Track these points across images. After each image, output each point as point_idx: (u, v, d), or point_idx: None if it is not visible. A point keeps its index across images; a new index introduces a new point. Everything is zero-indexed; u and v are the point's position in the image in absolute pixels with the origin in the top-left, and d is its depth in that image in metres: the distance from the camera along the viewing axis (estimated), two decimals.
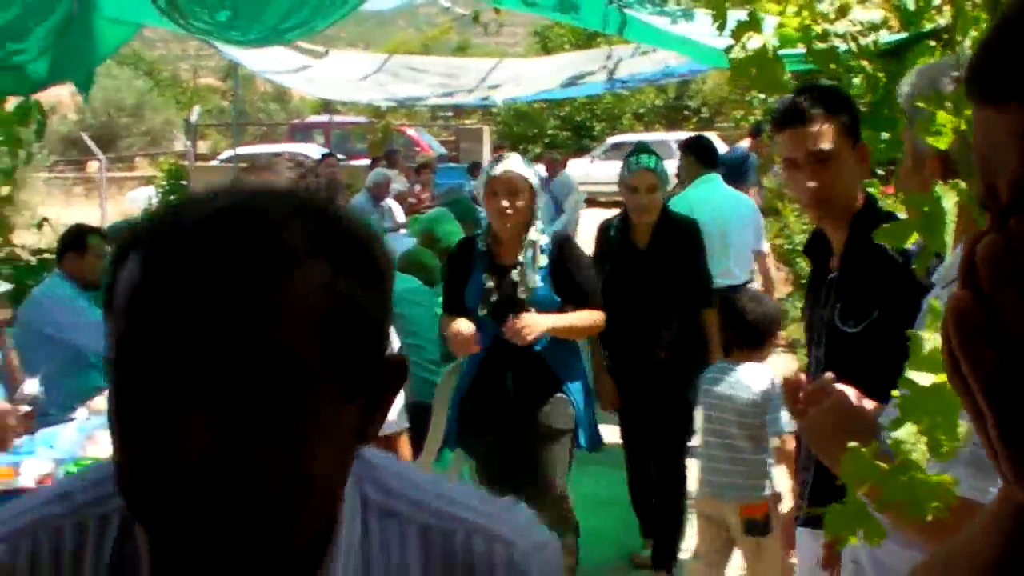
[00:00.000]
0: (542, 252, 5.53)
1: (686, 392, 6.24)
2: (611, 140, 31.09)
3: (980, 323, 0.84)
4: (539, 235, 5.55)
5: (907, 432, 1.83)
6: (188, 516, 1.13)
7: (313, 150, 30.52)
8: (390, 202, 14.93)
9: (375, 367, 1.29)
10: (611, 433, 6.35)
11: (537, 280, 5.49)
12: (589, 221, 17.19)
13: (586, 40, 33.04)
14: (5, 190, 7.08)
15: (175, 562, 1.20)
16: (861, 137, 3.45)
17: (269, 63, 13.08)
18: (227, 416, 1.13)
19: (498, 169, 5.53)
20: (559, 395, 5.54)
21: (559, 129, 39.94)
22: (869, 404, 2.32)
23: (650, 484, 6.63)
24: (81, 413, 5.98)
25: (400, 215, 15.10)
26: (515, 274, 5.50)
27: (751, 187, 13.08)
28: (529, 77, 14.84)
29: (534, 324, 5.30)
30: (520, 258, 5.52)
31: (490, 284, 5.55)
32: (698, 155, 9.25)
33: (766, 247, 9.19)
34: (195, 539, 1.15)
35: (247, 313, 1.14)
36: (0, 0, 6.68)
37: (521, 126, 39.65)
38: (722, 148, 23.34)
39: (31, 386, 5.20)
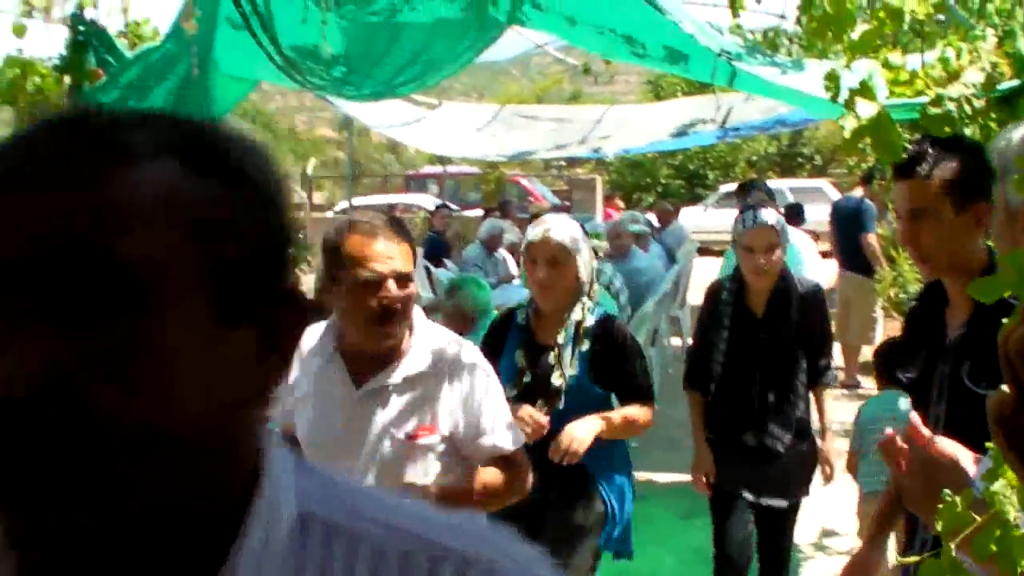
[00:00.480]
0: (586, 335, 4.90)
1: (799, 491, 5.74)
2: (724, 188, 30.95)
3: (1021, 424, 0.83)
4: (586, 314, 4.93)
5: (1001, 485, 1.82)
6: (10, 465, 0.94)
7: (427, 200, 30.91)
8: (503, 253, 14.98)
9: (261, 290, 1.09)
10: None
11: (576, 366, 4.86)
12: (702, 270, 17.20)
13: (699, 88, 32.92)
14: None
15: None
16: (982, 193, 3.23)
17: (383, 116, 13.27)
18: (49, 345, 0.94)
19: (536, 233, 4.95)
20: (590, 492, 4.95)
21: (672, 178, 39.89)
22: (969, 459, 2.29)
23: None
24: None
25: (513, 266, 15.13)
26: (552, 356, 4.89)
27: (868, 235, 12.92)
28: (639, 127, 14.85)
29: (580, 441, 4.61)
30: (560, 339, 4.89)
31: (523, 363, 4.96)
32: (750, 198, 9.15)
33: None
34: (21, 494, 0.95)
35: (72, 218, 0.95)
36: (124, 60, 6.89)
37: (634, 175, 39.69)
38: (835, 195, 23.23)
39: None
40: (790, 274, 5.72)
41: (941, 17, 4.16)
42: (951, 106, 3.53)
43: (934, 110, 3.53)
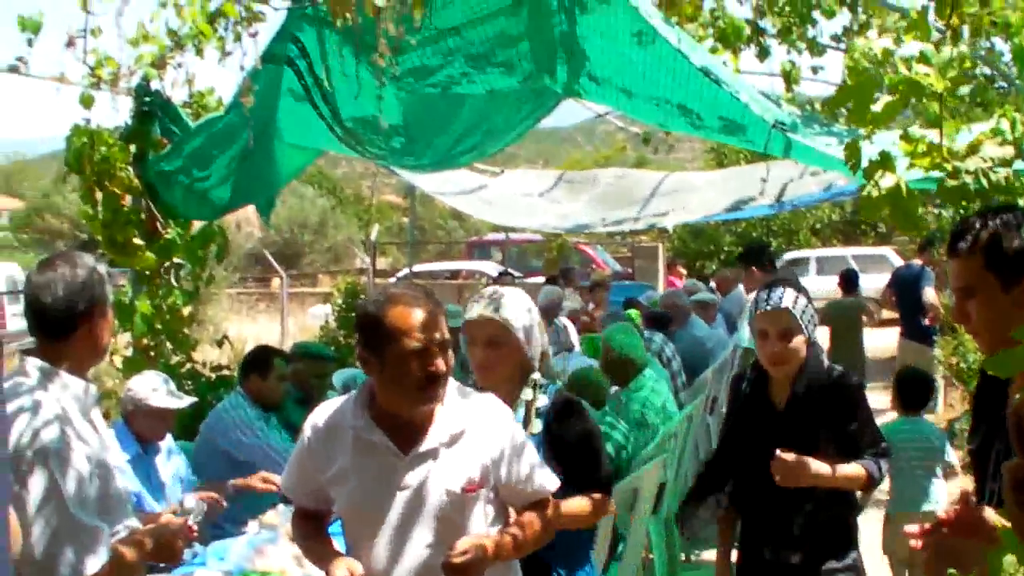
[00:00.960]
0: (537, 416, 4.47)
1: None
2: (788, 256, 30.81)
3: None
4: (537, 393, 4.50)
5: (1010, 561, 1.82)
6: None
7: (490, 267, 30.96)
8: (564, 320, 14.96)
9: None
10: None
11: None
12: None
13: (761, 157, 32.76)
14: (187, 310, 7.35)
15: None
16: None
17: (444, 185, 13.35)
18: None
19: (474, 311, 4.56)
20: None
21: (735, 245, 39.65)
22: None
23: None
24: (252, 527, 6.12)
25: (573, 334, 15.08)
26: None
27: (926, 290, 12.86)
28: (696, 199, 14.83)
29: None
30: None
31: None
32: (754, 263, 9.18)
33: None
34: None
35: None
36: (188, 130, 7.03)
37: (697, 243, 39.55)
38: (897, 262, 23.03)
39: (189, 500, 5.34)
40: (818, 360, 4.95)
41: (965, 90, 4.16)
42: (968, 179, 3.52)
43: (952, 182, 3.53)
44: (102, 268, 3.98)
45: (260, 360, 7.27)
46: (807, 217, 39.12)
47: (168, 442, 6.42)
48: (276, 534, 5.65)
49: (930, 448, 7.43)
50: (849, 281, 14.33)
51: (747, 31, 9.43)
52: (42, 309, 3.79)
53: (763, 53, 9.54)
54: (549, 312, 14.53)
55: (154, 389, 6.09)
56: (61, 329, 3.79)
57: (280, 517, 6.21)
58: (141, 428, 6.19)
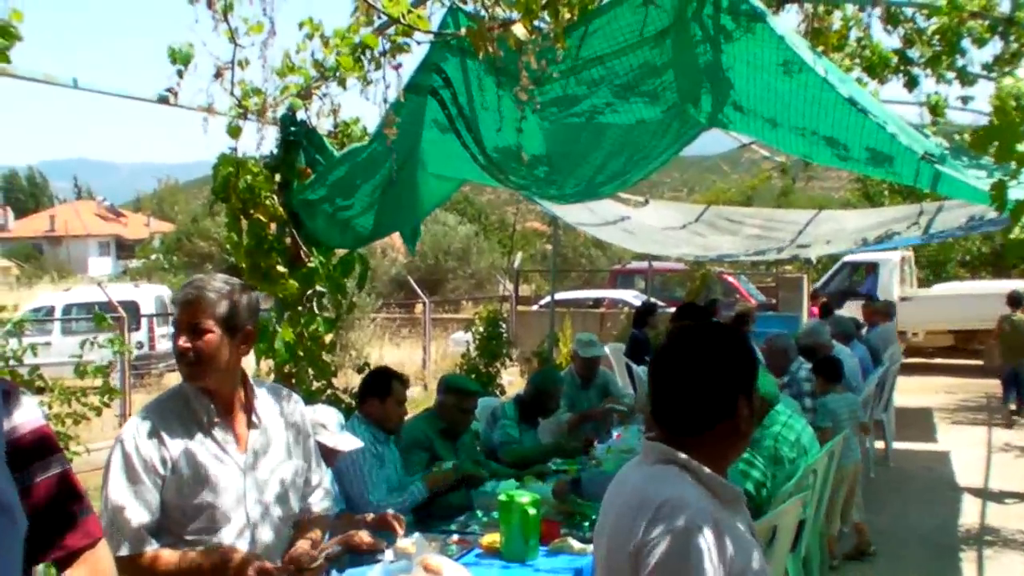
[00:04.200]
0: None
1: None
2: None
3: None
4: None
5: None
6: None
7: (632, 296, 30.82)
8: None
9: None
10: None
11: None
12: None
13: (908, 188, 32.17)
14: (328, 337, 7.40)
15: None
16: None
17: (587, 215, 13.33)
18: None
19: None
20: None
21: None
22: None
23: None
24: (388, 555, 6.12)
25: None
26: None
27: None
28: (841, 233, 14.62)
29: None
30: None
31: None
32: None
33: None
34: None
35: None
36: (332, 159, 7.08)
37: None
38: None
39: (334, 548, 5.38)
40: None
41: None
42: None
43: None
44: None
45: (378, 383, 7.28)
46: (955, 249, 38.31)
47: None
48: (411, 563, 5.64)
49: None
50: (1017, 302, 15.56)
51: (894, 60, 9.25)
52: None
53: (911, 83, 9.31)
54: None
55: (324, 426, 6.11)
56: None
57: (415, 546, 6.21)
58: None
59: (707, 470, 3.15)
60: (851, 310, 20.68)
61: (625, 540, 3.09)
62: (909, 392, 20.76)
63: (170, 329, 10.02)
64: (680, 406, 3.21)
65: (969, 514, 12.36)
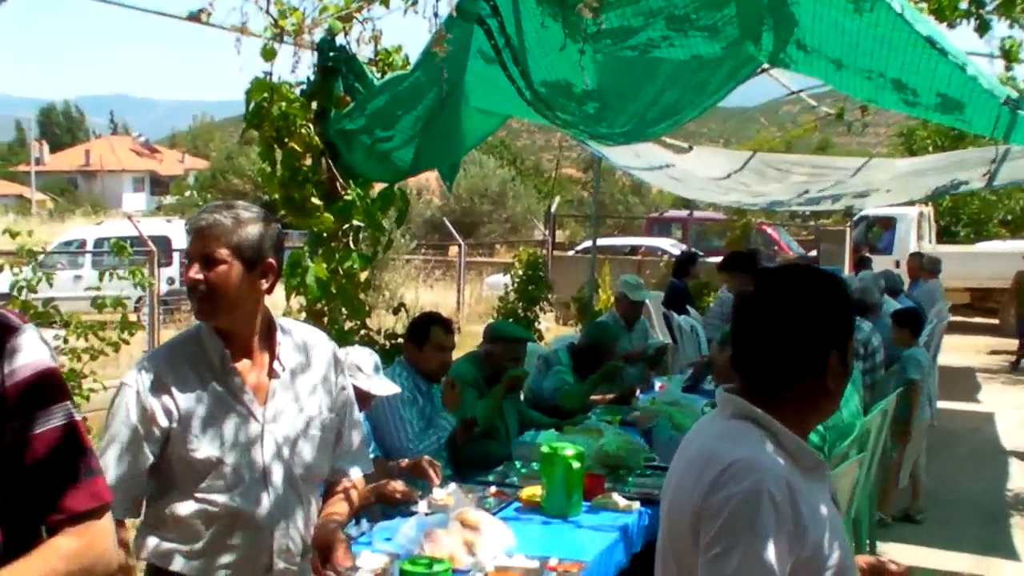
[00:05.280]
0: None
1: None
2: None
3: None
4: None
5: None
6: None
7: (670, 244, 30.48)
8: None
9: None
10: None
11: None
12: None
13: (951, 142, 31.71)
14: (364, 275, 7.05)
15: None
16: None
17: (633, 159, 12.93)
18: None
19: None
20: None
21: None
22: None
23: None
24: (422, 506, 5.83)
25: None
26: None
27: None
28: (898, 184, 14.21)
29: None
30: None
31: None
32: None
33: None
34: None
35: None
36: (372, 88, 6.73)
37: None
38: None
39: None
40: None
41: None
42: None
43: None
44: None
45: (416, 328, 7.00)
46: (998, 207, 37.82)
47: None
48: (447, 516, 5.33)
49: None
50: None
51: (964, 3, 8.80)
52: None
53: (983, 27, 8.84)
54: None
55: (359, 368, 5.76)
56: None
57: (452, 498, 5.90)
58: None
59: (787, 431, 2.79)
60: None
61: (687, 501, 2.75)
62: (949, 350, 20.46)
63: None
64: (764, 356, 2.85)
65: (1017, 479, 12.08)
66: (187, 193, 67.26)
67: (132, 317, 7.97)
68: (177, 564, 3.78)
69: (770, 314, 2.84)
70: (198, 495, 3.75)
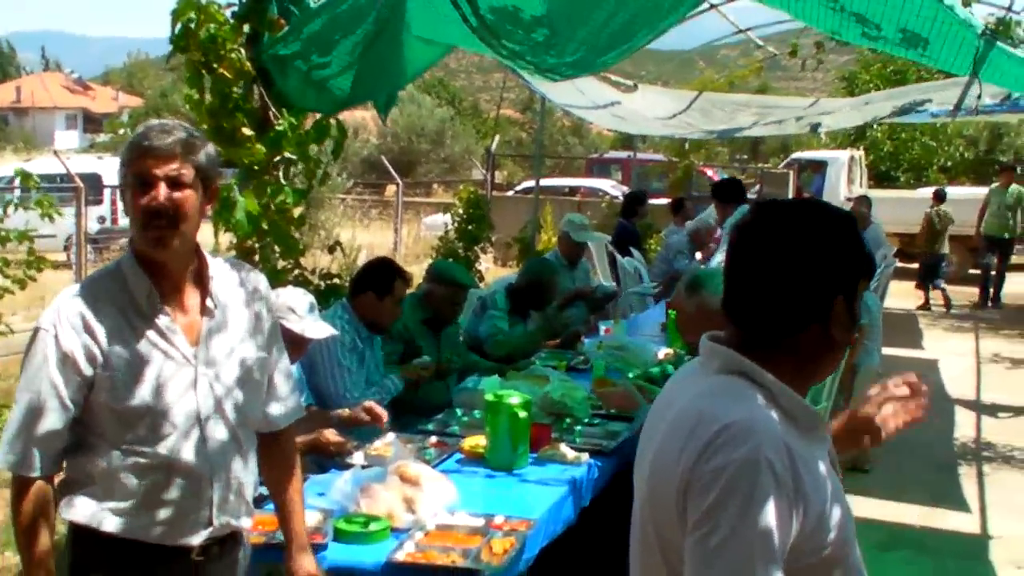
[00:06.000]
0: None
1: None
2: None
3: None
4: None
5: None
6: None
7: (609, 185, 30.22)
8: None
9: None
10: None
11: None
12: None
13: (892, 86, 31.65)
14: (297, 211, 6.63)
15: None
16: None
17: (577, 96, 12.56)
18: None
19: None
20: None
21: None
22: None
23: None
24: (358, 458, 5.48)
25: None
26: None
27: None
28: (857, 110, 14.01)
29: None
30: None
31: None
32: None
33: None
34: None
35: None
36: (308, 10, 6.31)
37: None
38: None
39: None
40: None
41: None
42: None
43: None
44: None
45: (380, 277, 6.63)
46: (939, 153, 37.98)
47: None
48: (385, 470, 4.98)
49: None
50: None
51: None
52: None
53: None
54: (697, 238, 13.65)
55: (292, 309, 5.36)
56: None
57: (392, 448, 5.54)
58: None
59: (785, 387, 2.42)
60: None
61: (671, 470, 2.36)
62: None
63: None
64: (759, 300, 2.46)
65: (964, 427, 11.99)
66: (121, 131, 66.19)
67: (62, 257, 7.55)
68: (108, 525, 3.38)
69: (772, 249, 2.45)
70: (126, 447, 3.36)
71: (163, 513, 3.41)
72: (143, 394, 3.34)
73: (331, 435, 5.46)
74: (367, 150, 45.08)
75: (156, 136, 3.33)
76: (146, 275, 3.39)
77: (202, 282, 3.52)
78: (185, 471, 3.41)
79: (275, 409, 3.78)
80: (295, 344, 5.07)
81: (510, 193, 29.70)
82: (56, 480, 3.44)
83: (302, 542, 3.88)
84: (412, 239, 27.02)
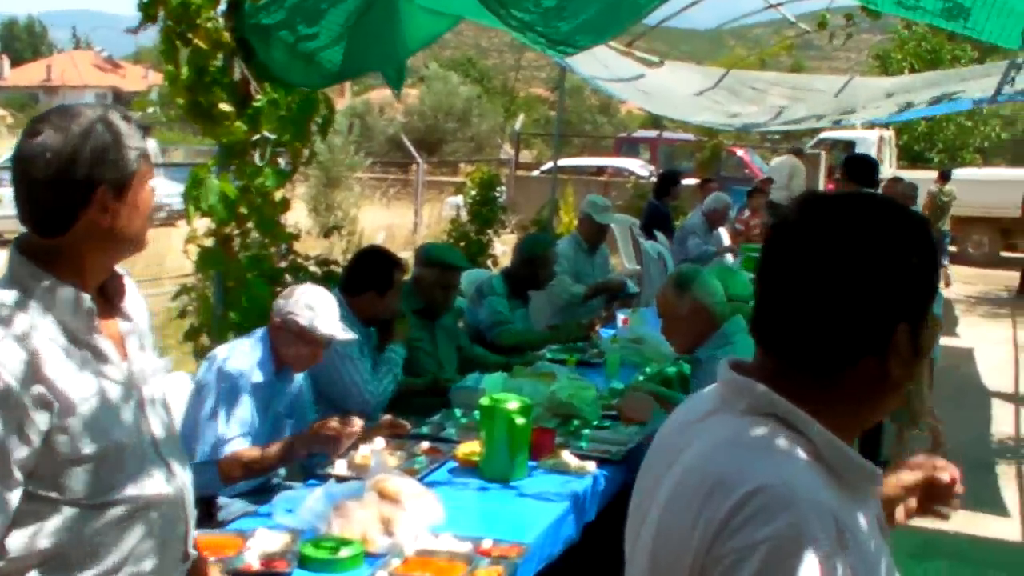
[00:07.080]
0: None
1: None
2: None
3: None
4: None
5: None
6: None
7: (637, 165, 29.72)
8: (722, 231, 13.80)
9: None
10: None
11: None
12: None
13: (928, 66, 31.14)
14: (279, 194, 6.11)
15: None
16: None
17: (601, 71, 12.03)
18: None
19: None
20: None
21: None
22: None
23: None
24: (338, 468, 4.98)
25: (727, 239, 13.98)
26: None
27: None
28: (887, 99, 13.40)
29: None
30: None
31: None
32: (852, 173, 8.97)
33: None
34: None
35: None
36: None
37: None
38: None
39: None
40: None
41: None
42: None
43: None
44: (121, 123, 2.71)
45: (379, 274, 6.13)
46: (974, 133, 37.51)
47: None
48: (361, 485, 4.45)
49: None
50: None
51: None
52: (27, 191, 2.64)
53: None
54: (713, 219, 13.31)
55: (312, 309, 4.93)
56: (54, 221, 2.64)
57: (373, 458, 5.00)
58: (286, 350, 5.02)
59: (833, 438, 1.81)
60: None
61: (682, 547, 1.77)
62: None
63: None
64: (802, 324, 1.85)
65: (1002, 423, 11.44)
66: (150, 110, 66.15)
67: None
68: None
69: (822, 259, 1.82)
70: (97, 500, 2.63)
71: (147, 564, 2.75)
72: (105, 433, 2.65)
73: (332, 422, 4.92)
74: (392, 128, 44.71)
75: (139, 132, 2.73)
76: (81, 286, 2.70)
77: (116, 286, 2.89)
78: (164, 504, 2.78)
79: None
80: (313, 346, 4.86)
81: (535, 173, 29.26)
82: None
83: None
84: (435, 219, 26.61)
